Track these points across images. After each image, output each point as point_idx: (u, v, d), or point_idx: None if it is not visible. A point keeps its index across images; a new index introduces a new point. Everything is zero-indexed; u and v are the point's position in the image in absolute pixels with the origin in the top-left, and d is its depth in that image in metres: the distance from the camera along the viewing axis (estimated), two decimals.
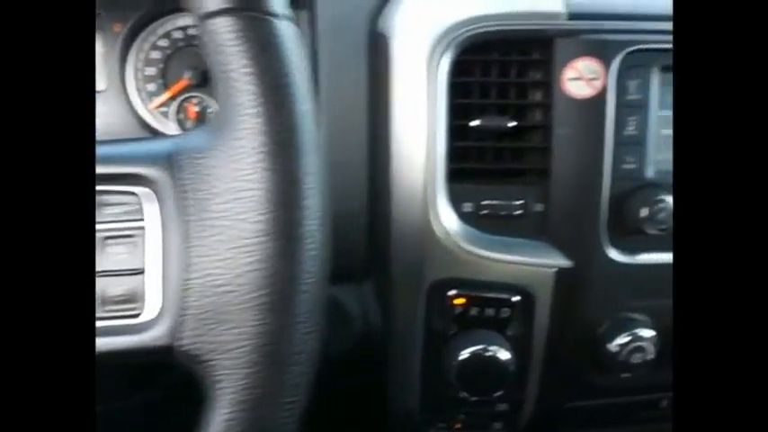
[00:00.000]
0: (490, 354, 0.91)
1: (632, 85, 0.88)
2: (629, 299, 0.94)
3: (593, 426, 1.10)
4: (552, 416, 1.05)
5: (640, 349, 0.93)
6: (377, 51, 0.92)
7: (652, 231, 0.90)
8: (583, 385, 1.01)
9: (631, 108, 0.88)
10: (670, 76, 0.88)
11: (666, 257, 0.93)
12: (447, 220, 0.90)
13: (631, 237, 0.89)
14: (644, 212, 0.89)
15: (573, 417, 1.07)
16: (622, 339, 0.92)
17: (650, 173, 0.90)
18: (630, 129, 0.89)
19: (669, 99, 0.89)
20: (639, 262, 0.92)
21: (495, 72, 0.90)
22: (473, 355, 0.91)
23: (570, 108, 0.88)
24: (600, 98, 0.87)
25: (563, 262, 0.91)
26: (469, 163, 0.90)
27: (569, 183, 0.89)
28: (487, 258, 0.91)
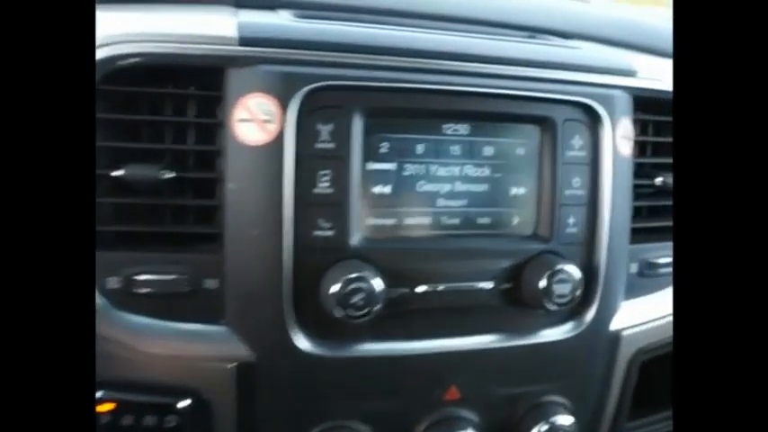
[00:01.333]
0: None
1: (324, 130, 0.71)
2: (338, 403, 0.75)
3: None
4: None
5: None
6: None
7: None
8: None
9: (324, 159, 0.70)
10: (381, 121, 0.72)
11: (384, 347, 0.76)
12: None
13: (331, 322, 0.70)
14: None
15: None
16: None
17: (355, 240, 0.72)
18: (324, 185, 0.71)
19: (385, 149, 0.73)
20: (344, 355, 0.74)
21: (145, 108, 0.69)
22: None
23: (243, 157, 0.69)
24: (276, 145, 0.68)
25: (244, 354, 0.72)
26: (115, 225, 0.69)
27: (247, 252, 0.70)
28: (143, 352, 0.69)
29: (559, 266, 0.77)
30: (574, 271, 0.78)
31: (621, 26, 1.04)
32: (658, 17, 1.10)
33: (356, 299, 0.68)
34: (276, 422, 0.73)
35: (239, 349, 0.71)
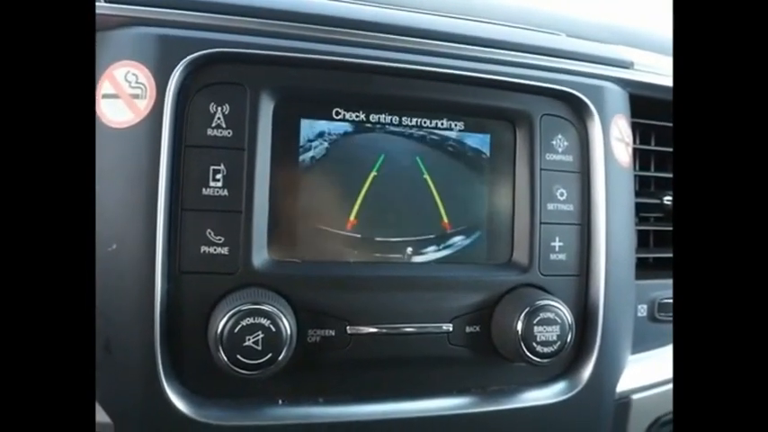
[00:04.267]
0: None
1: (218, 113, 0.54)
2: None
3: None
4: None
5: None
6: None
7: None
8: None
9: (217, 151, 0.52)
10: (296, 104, 0.55)
11: (300, 413, 0.55)
12: None
13: (223, 377, 0.50)
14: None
15: None
16: None
17: (258, 261, 0.53)
18: (216, 185, 0.53)
19: (304, 141, 0.55)
20: (241, 423, 0.52)
21: None
22: None
23: (106, 143, 0.51)
24: (149, 129, 0.51)
25: (97, 418, 0.52)
26: None
27: (105, 276, 0.50)
28: None
29: (542, 302, 0.58)
30: (561, 309, 0.58)
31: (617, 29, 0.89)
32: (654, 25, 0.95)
33: (251, 341, 0.49)
34: None
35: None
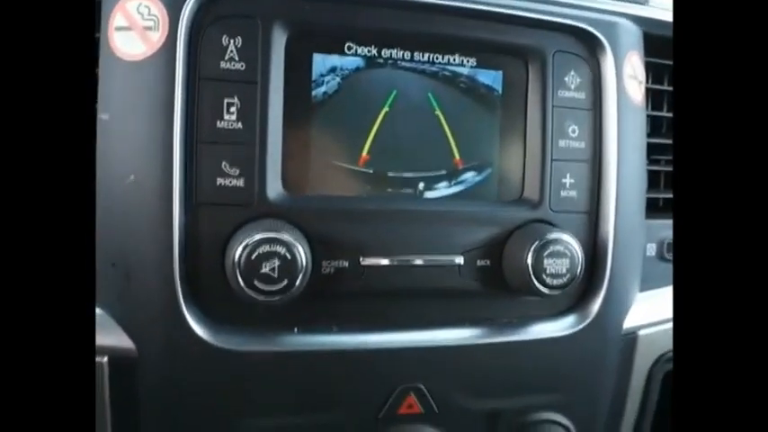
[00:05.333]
0: None
1: (232, 46, 0.53)
2: (249, 415, 0.55)
3: None
4: None
5: None
6: None
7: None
8: None
9: (231, 84, 0.52)
10: (311, 39, 0.55)
11: (314, 341, 0.57)
12: None
13: (241, 305, 0.52)
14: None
15: None
16: None
17: (273, 193, 0.54)
18: (230, 118, 0.53)
19: (318, 75, 0.55)
20: (258, 349, 0.54)
21: None
22: None
23: (120, 76, 0.51)
24: (163, 61, 0.51)
25: (121, 344, 0.53)
26: None
27: (123, 208, 0.52)
28: None
29: (552, 236, 0.59)
30: (571, 243, 0.59)
31: None
32: None
33: (268, 268, 0.50)
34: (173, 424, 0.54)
35: (115, 338, 0.52)
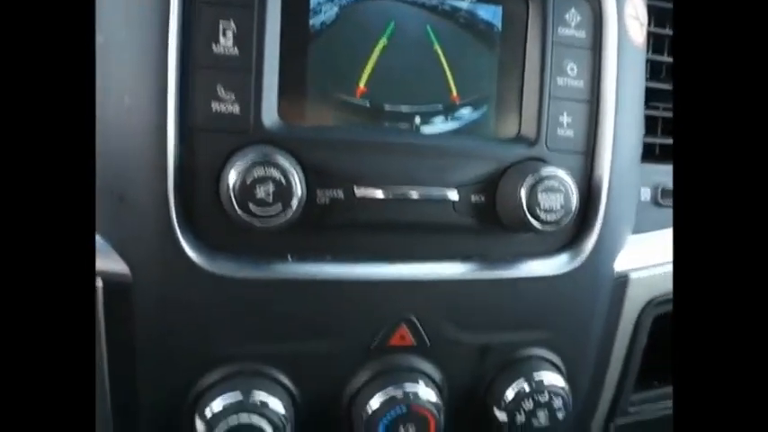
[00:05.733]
0: None
1: None
2: (242, 342, 0.56)
3: None
4: None
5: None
6: None
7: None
8: None
9: (226, 7, 0.51)
10: None
11: (308, 270, 0.57)
12: None
13: (236, 231, 0.52)
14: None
15: None
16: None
17: (268, 120, 0.53)
18: (226, 42, 0.52)
19: None
20: (252, 276, 0.55)
21: None
22: None
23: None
24: None
25: (116, 268, 0.53)
26: None
27: (118, 132, 0.52)
28: None
29: (547, 171, 0.58)
30: (566, 179, 0.59)
31: None
32: None
33: (262, 191, 0.50)
34: (157, 362, 0.55)
35: (110, 262, 0.53)
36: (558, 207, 0.59)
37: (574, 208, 0.59)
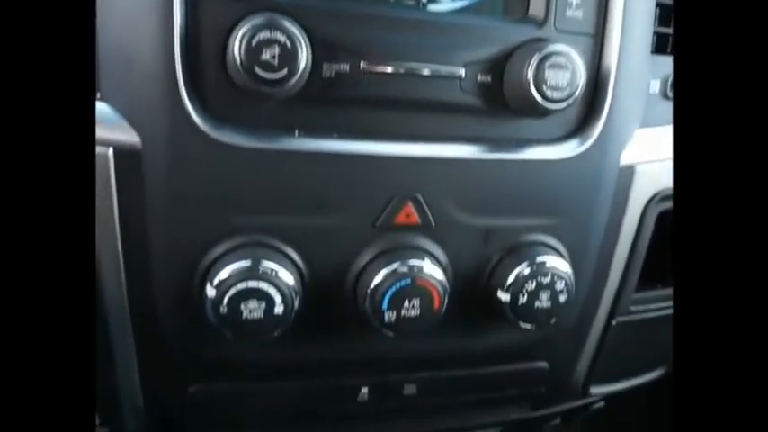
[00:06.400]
0: None
1: None
2: (250, 212, 0.57)
3: None
4: None
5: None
6: None
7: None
8: None
9: None
10: None
11: (314, 144, 0.57)
12: None
13: (242, 99, 0.53)
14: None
15: None
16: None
17: None
18: None
19: None
20: (258, 145, 0.55)
21: None
22: None
23: None
24: None
25: (125, 137, 0.54)
26: None
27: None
28: None
29: (554, 48, 0.58)
30: (573, 55, 0.58)
31: None
32: None
33: (268, 54, 0.50)
34: (167, 231, 0.56)
35: (119, 130, 0.54)
36: (565, 84, 0.58)
37: (581, 87, 0.59)
